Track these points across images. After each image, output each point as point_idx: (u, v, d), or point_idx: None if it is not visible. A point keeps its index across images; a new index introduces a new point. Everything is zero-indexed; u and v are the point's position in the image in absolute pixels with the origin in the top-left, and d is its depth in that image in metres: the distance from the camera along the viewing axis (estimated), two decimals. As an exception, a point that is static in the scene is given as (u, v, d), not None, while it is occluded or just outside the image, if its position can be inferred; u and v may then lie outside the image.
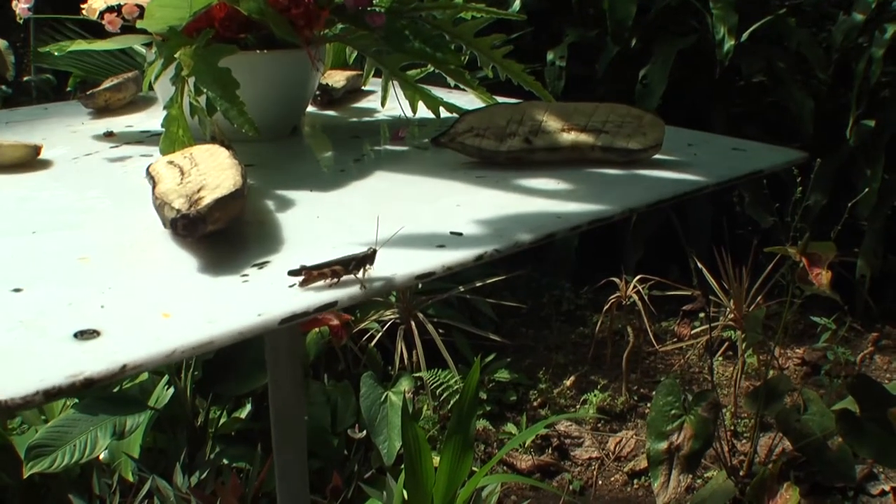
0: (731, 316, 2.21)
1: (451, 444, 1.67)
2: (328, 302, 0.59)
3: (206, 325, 0.56)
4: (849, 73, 2.53)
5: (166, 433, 1.90)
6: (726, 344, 2.32)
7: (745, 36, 2.47)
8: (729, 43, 2.39)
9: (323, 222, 0.73)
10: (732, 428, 2.09)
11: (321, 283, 0.61)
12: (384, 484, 1.79)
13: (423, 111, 1.01)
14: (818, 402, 1.98)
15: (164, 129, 0.88)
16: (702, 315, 2.29)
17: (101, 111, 1.15)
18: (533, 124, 0.91)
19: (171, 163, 0.81)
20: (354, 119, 1.10)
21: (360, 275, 0.62)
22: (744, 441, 2.09)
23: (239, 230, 0.71)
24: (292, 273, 0.61)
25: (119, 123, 1.08)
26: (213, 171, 0.75)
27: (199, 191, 0.70)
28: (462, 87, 1.05)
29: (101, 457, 1.83)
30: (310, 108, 1.14)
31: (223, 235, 0.68)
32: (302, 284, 0.61)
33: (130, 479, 1.80)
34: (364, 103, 1.17)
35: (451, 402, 2.10)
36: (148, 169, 0.80)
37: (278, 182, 0.83)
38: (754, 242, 2.14)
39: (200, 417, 1.94)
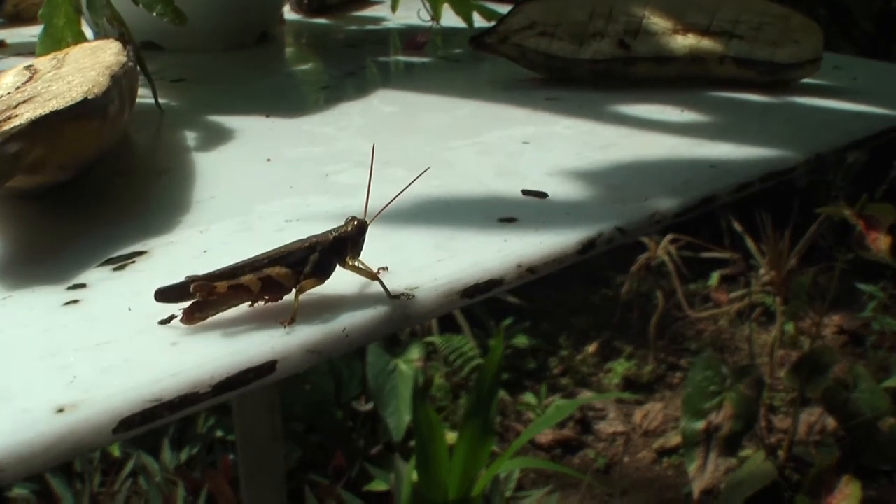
0: (766, 279, 1.83)
1: (470, 428, 1.35)
2: (250, 367, 0.20)
3: None
4: (893, 21, 2.12)
5: (154, 404, 1.55)
6: (759, 309, 1.94)
7: (781, -20, 2.05)
8: (767, -14, 1.97)
9: (276, 170, 0.34)
10: (769, 402, 1.72)
11: (237, 309, 0.23)
12: (392, 462, 1.47)
13: (450, 19, 0.62)
14: (868, 379, 1.64)
15: (44, 24, 0.49)
16: (741, 278, 1.91)
17: (12, 20, 0.76)
18: (629, 21, 0.52)
19: (28, 67, 0.42)
20: (353, 27, 0.70)
21: (336, 276, 0.24)
22: (781, 416, 1.73)
23: (106, 188, 0.32)
24: (164, 295, 0.22)
25: (24, 33, 0.68)
26: (71, 76, 0.35)
27: (17, 106, 0.31)
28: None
29: (86, 427, 1.50)
30: (293, 16, 0.74)
31: (68, 198, 0.30)
32: (188, 317, 0.22)
33: (116, 453, 1.48)
34: (368, 11, 0.77)
35: (465, 370, 1.74)
36: (-8, 78, 0.41)
37: (216, 104, 0.44)
38: (797, 202, 1.76)
39: (192, 386, 1.59)
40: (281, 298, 0.23)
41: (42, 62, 0.43)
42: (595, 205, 0.31)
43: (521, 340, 1.87)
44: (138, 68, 0.44)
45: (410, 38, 0.59)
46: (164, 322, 0.22)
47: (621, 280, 2.00)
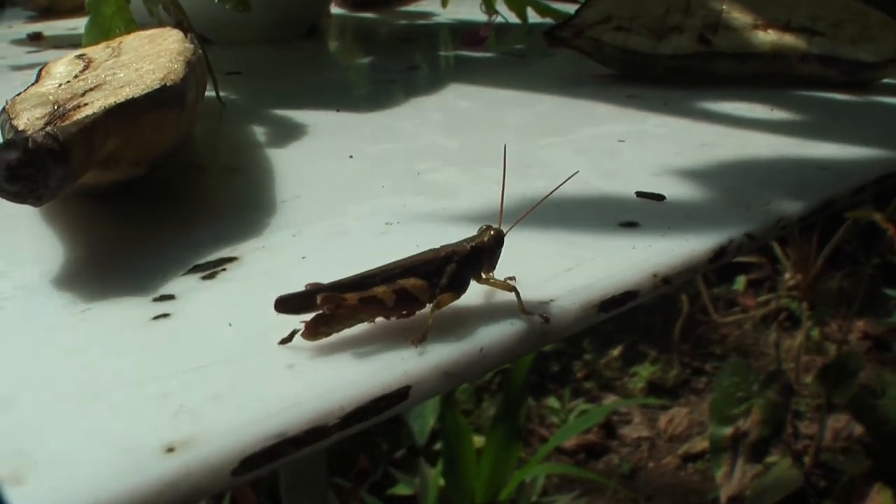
0: (791, 283, 1.79)
1: (498, 433, 1.32)
2: (382, 394, 0.17)
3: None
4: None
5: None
6: (784, 314, 1.90)
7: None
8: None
9: (361, 167, 0.31)
10: (794, 408, 1.69)
11: (358, 325, 0.19)
12: (416, 466, 1.44)
13: (503, 13, 0.59)
14: (897, 386, 1.60)
15: (90, 13, 0.47)
16: (767, 282, 1.87)
17: (45, 13, 0.74)
18: (708, 15, 0.49)
19: (81, 56, 0.39)
20: (403, 22, 0.67)
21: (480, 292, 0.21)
22: (806, 422, 1.69)
23: (179, 185, 0.29)
24: (285, 304, 0.18)
25: (59, 26, 0.65)
26: (136, 63, 0.32)
27: (84, 94, 0.27)
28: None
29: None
30: (338, 10, 0.71)
31: (138, 196, 0.27)
32: (311, 332, 0.18)
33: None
34: (414, 7, 0.74)
35: (490, 372, 1.71)
36: (41, 69, 0.38)
37: (278, 97, 0.41)
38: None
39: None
40: (414, 314, 0.20)
41: (95, 51, 0.40)
42: (716, 209, 0.28)
43: (544, 343, 1.84)
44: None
45: (471, 33, 0.56)
46: (284, 341, 0.19)
47: (644, 283, 1.96)
